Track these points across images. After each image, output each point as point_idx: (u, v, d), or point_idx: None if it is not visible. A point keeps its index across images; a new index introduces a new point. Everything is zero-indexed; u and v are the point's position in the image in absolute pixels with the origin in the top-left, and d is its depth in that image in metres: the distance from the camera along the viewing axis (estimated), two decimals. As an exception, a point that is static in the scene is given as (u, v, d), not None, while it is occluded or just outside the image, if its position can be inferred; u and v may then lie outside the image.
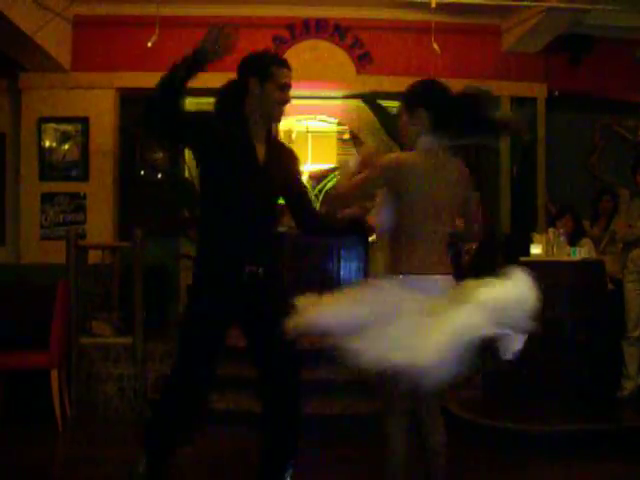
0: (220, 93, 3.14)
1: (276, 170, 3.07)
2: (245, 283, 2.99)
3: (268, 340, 3.02)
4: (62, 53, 6.86)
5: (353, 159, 3.03)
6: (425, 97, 2.88)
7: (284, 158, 3.16)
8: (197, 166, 3.16)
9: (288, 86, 3.03)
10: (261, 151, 3.04)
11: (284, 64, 3.04)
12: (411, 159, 2.83)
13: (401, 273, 2.77)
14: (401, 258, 2.81)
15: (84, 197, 7.08)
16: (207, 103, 7.36)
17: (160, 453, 3.11)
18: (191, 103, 7.83)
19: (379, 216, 2.93)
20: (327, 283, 7.44)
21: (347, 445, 4.56)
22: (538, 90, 7.48)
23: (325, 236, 3.49)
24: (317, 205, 7.52)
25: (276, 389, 3.07)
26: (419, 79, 2.99)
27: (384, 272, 2.85)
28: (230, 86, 3.12)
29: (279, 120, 3.08)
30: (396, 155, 2.90)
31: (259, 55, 3.08)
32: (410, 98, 2.91)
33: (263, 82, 2.99)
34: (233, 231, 3.00)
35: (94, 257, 6.37)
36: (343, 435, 4.72)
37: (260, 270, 3.01)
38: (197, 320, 3.04)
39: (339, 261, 7.41)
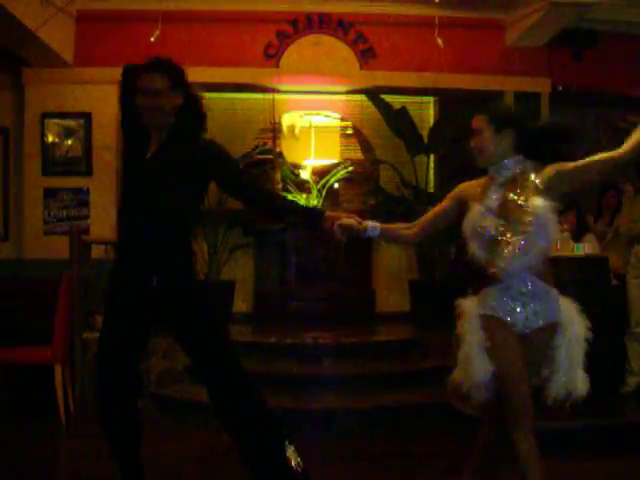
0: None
1: (167, 168, 3.07)
2: (138, 290, 3.08)
3: (184, 342, 3.21)
4: (65, 48, 6.86)
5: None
6: (515, 119, 2.95)
7: (202, 154, 3.15)
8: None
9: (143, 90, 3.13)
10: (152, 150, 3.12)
11: (144, 68, 3.23)
12: None
13: None
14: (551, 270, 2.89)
15: (87, 192, 7.09)
16: (213, 98, 7.30)
17: (119, 457, 3.20)
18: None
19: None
20: (328, 280, 7.45)
21: (349, 440, 4.57)
22: (542, 85, 7.47)
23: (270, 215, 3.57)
24: (320, 201, 7.52)
25: (206, 382, 3.20)
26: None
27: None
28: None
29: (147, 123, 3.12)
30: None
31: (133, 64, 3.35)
32: (500, 117, 2.94)
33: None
34: (124, 236, 3.18)
35: (97, 252, 6.36)
36: (346, 430, 4.72)
37: (154, 278, 3.05)
38: (106, 308, 3.22)
39: (343, 257, 7.41)
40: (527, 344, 2.80)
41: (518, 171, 2.89)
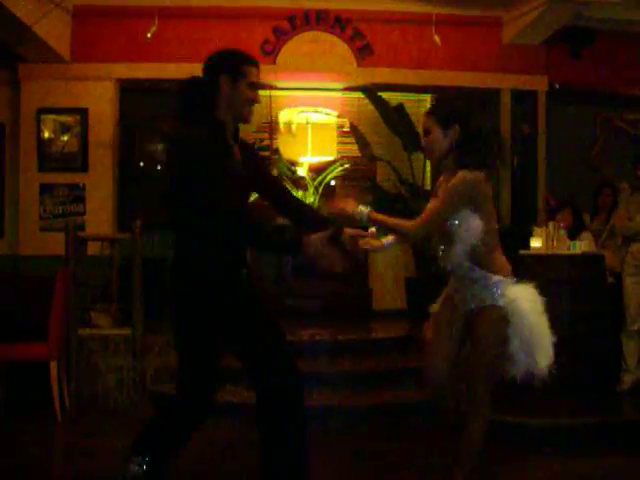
0: (183, 94, 2.94)
1: (247, 168, 2.98)
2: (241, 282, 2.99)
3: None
4: (61, 44, 6.84)
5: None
6: (461, 115, 3.07)
7: (250, 154, 3.09)
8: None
9: (257, 85, 2.95)
10: (237, 152, 2.96)
11: (255, 63, 2.95)
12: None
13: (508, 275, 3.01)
14: (501, 261, 3.02)
15: (83, 188, 7.07)
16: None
17: (164, 454, 3.03)
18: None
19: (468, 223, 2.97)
20: (326, 276, 7.44)
21: (346, 437, 4.57)
22: (539, 83, 7.48)
23: (296, 223, 3.40)
24: (317, 198, 7.51)
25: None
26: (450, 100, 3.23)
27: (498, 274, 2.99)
28: (194, 85, 2.94)
29: (248, 120, 2.95)
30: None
31: (230, 53, 2.94)
32: (446, 115, 3.05)
33: (235, 80, 2.87)
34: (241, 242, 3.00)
35: (93, 248, 6.35)
36: (343, 426, 4.72)
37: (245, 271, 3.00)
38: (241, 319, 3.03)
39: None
40: (469, 324, 3.05)
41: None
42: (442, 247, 3.07)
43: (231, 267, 2.94)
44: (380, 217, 3.08)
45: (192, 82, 2.93)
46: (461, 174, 2.94)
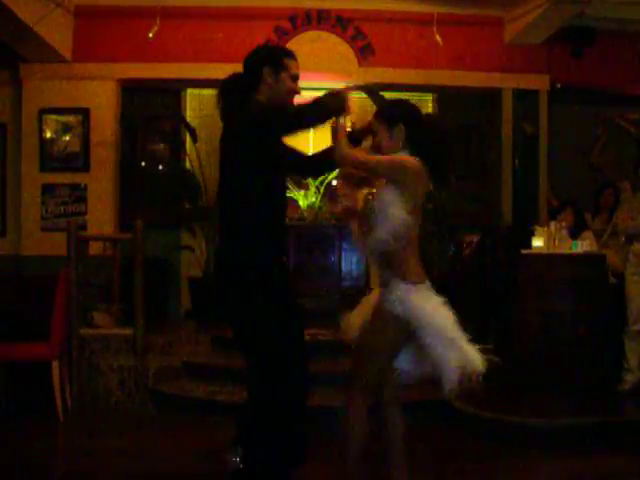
0: (226, 86, 3.12)
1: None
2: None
3: None
4: (63, 44, 6.84)
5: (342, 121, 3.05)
6: (405, 114, 3.02)
7: None
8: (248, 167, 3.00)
9: (298, 77, 3.14)
10: None
11: (294, 56, 3.17)
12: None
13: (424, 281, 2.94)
14: (415, 264, 2.93)
15: (85, 188, 7.07)
16: (212, 94, 7.30)
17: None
18: (193, 94, 7.85)
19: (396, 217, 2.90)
20: (328, 274, 7.44)
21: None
22: (540, 82, 7.47)
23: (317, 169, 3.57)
24: (318, 197, 7.52)
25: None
26: (399, 98, 3.25)
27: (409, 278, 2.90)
28: (237, 79, 3.11)
29: None
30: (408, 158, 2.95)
31: (271, 47, 3.18)
32: (390, 115, 3.02)
33: (277, 72, 3.05)
34: (279, 222, 3.13)
35: (95, 248, 6.37)
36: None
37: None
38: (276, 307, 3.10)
39: (340, 253, 7.42)
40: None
41: None
42: (365, 230, 3.02)
43: (276, 253, 3.07)
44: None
45: (235, 76, 3.10)
46: (404, 154, 2.95)
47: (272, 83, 3.05)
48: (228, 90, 3.10)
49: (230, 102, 3.08)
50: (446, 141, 3.14)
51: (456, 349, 2.79)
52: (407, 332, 2.86)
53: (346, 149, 2.99)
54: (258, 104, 3.04)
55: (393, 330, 2.88)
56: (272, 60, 3.07)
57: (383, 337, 2.92)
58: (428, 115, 3.19)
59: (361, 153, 3.03)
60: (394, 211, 2.85)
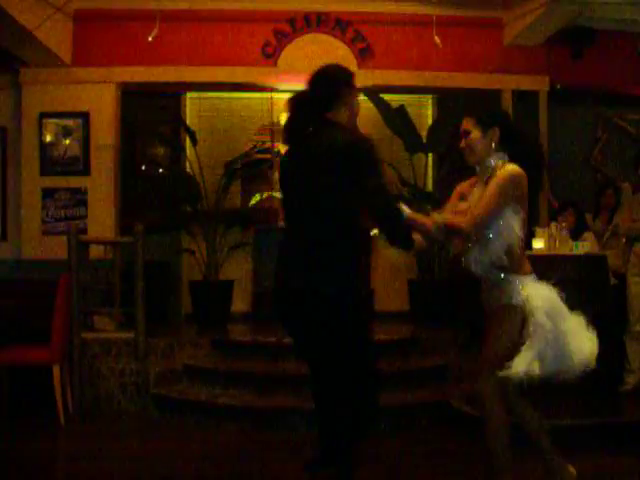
0: (297, 102, 3.14)
1: None
2: None
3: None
4: (63, 48, 6.84)
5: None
6: (501, 118, 3.21)
7: None
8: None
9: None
10: None
11: None
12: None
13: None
14: (525, 260, 3.10)
15: (85, 192, 7.07)
16: (211, 97, 7.28)
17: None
18: (193, 97, 7.85)
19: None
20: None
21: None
22: (540, 83, 7.46)
23: None
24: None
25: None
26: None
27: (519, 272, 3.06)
28: (308, 96, 3.13)
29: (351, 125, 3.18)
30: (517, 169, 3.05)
31: (343, 66, 3.21)
32: (487, 117, 3.15)
33: (352, 90, 3.14)
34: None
35: (95, 252, 6.37)
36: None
37: None
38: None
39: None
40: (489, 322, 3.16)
41: (499, 167, 3.09)
42: (469, 246, 3.11)
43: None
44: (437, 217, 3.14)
45: (305, 93, 3.13)
46: (510, 167, 3.03)
47: (350, 103, 3.11)
48: (299, 106, 3.13)
49: (302, 119, 3.12)
50: (540, 144, 3.36)
51: (574, 337, 3.03)
52: (525, 321, 3.00)
53: (462, 225, 3.05)
54: (345, 132, 3.04)
55: (511, 322, 3.03)
56: (350, 80, 3.14)
57: (503, 332, 3.05)
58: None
59: (468, 217, 3.05)
60: (508, 228, 3.00)
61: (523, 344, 3.00)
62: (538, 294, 3.03)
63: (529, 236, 5.50)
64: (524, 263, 3.11)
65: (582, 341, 3.06)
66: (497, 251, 3.02)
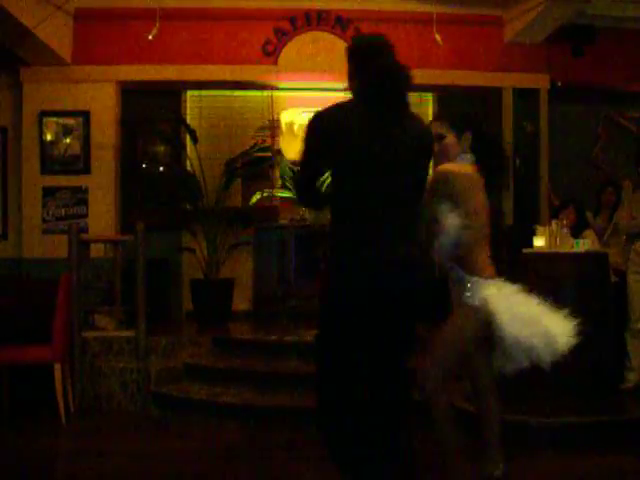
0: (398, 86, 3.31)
1: None
2: None
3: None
4: (63, 47, 6.85)
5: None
6: (473, 121, 3.22)
7: None
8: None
9: None
10: None
11: None
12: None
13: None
14: (482, 260, 3.06)
15: (86, 191, 7.08)
16: (212, 95, 7.26)
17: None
18: (193, 95, 7.85)
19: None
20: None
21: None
22: (541, 81, 7.47)
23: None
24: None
25: None
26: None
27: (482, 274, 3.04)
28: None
29: None
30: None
31: None
32: (460, 121, 3.17)
33: None
34: None
35: (96, 251, 6.37)
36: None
37: None
38: None
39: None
40: None
41: None
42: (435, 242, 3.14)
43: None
44: None
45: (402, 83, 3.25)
46: (441, 167, 3.07)
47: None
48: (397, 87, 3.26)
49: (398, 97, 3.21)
50: (503, 151, 3.40)
51: (538, 332, 2.97)
52: (484, 324, 2.98)
53: None
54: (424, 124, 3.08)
55: (465, 324, 3.04)
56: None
57: (461, 328, 3.05)
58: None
59: None
60: (451, 224, 3.00)
61: (487, 344, 3.04)
62: (499, 297, 2.98)
63: (527, 235, 5.52)
64: (485, 266, 3.07)
65: (559, 324, 3.05)
66: (446, 245, 3.04)
